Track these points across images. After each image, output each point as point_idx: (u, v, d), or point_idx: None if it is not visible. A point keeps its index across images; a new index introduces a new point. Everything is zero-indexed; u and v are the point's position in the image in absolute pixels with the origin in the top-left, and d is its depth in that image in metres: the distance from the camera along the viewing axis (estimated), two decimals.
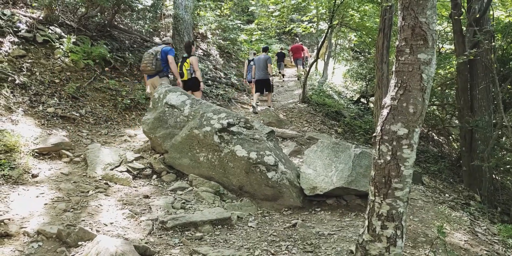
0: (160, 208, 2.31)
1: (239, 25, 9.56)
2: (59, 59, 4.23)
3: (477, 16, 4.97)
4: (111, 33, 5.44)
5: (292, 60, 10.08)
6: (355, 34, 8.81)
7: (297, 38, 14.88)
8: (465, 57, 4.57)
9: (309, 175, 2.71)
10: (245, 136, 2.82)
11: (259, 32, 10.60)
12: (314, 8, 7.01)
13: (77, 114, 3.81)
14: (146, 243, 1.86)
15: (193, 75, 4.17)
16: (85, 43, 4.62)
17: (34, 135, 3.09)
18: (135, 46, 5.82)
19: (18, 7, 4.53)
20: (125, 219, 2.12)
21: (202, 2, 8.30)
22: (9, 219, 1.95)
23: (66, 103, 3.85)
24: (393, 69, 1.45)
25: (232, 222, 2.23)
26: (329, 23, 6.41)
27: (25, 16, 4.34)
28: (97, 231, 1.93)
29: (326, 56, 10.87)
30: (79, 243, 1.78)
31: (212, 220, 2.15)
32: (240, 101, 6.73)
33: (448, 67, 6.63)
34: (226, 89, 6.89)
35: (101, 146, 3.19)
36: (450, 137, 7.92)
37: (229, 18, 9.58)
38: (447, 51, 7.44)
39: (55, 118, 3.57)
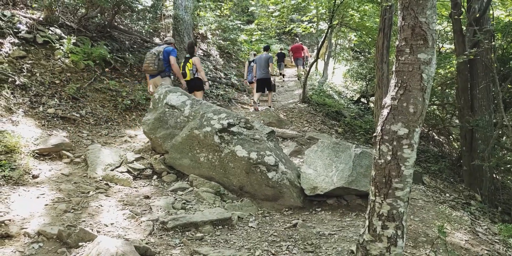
0: (160, 208, 2.31)
1: (239, 25, 9.57)
2: (59, 60, 4.24)
3: (477, 15, 4.97)
4: (111, 34, 5.45)
5: (292, 60, 10.08)
6: (355, 34, 8.81)
7: (297, 38, 14.89)
8: (465, 56, 4.57)
9: (310, 175, 2.71)
10: (246, 136, 2.82)
11: (259, 32, 10.60)
12: (314, 8, 7.01)
13: (78, 115, 3.81)
14: (146, 243, 1.86)
15: (196, 75, 4.18)
16: (85, 44, 4.62)
17: (35, 136, 3.09)
18: (135, 46, 5.83)
19: (18, 8, 4.54)
20: (125, 219, 2.12)
21: (202, 2, 8.30)
22: (9, 220, 1.95)
23: (67, 104, 3.86)
24: (393, 69, 1.45)
25: (233, 222, 2.23)
26: (329, 23, 6.41)
27: (25, 17, 4.35)
28: (98, 231, 1.93)
29: (326, 56, 10.88)
30: (80, 243, 1.78)
31: (213, 221, 2.15)
32: (240, 102, 6.74)
33: (448, 66, 6.63)
34: (226, 90, 6.89)
35: (101, 146, 3.19)
36: (451, 137, 7.92)
37: (229, 19, 9.58)
38: (447, 51, 7.44)
39: (55, 119, 3.57)
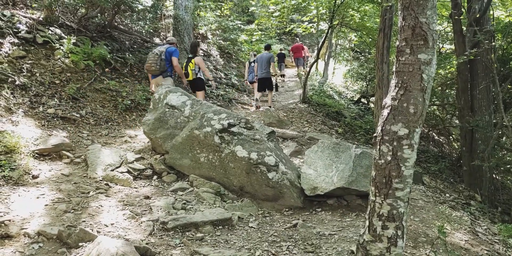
0: (160, 208, 2.31)
1: (239, 25, 9.56)
2: (59, 60, 4.24)
3: (477, 16, 4.97)
4: (111, 34, 5.44)
5: (292, 60, 10.08)
6: (356, 34, 8.82)
7: (298, 38, 14.89)
8: (465, 57, 4.57)
9: (310, 175, 2.71)
10: (246, 137, 2.82)
11: (260, 32, 10.60)
12: (314, 8, 7.01)
13: (78, 115, 3.81)
14: (147, 244, 1.86)
15: (198, 75, 4.20)
16: (85, 44, 4.62)
17: (35, 136, 3.09)
18: (135, 46, 5.83)
19: (18, 8, 4.54)
20: (125, 220, 2.12)
21: (202, 2, 8.30)
22: (9, 220, 1.95)
23: (67, 104, 3.86)
24: (394, 69, 1.45)
25: (233, 222, 2.23)
26: (329, 23, 6.41)
27: (25, 17, 4.35)
28: (98, 232, 1.93)
29: (326, 56, 10.88)
30: (80, 244, 1.78)
31: (213, 221, 2.15)
32: (240, 102, 6.73)
33: (448, 67, 6.63)
34: (227, 90, 6.89)
35: (101, 147, 3.19)
36: (451, 137, 7.92)
37: (229, 19, 9.58)
38: (447, 51, 7.44)
39: (55, 119, 3.57)
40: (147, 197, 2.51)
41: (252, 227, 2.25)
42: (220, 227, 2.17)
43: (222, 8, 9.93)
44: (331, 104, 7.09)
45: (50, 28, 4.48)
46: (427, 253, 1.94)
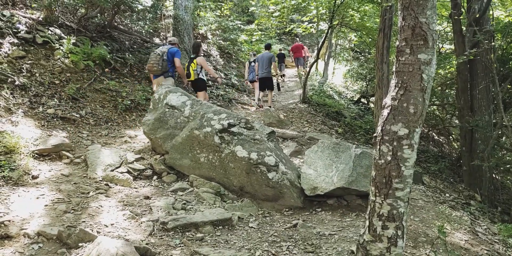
0: (160, 209, 2.31)
1: (239, 25, 9.56)
2: (59, 60, 4.23)
3: (477, 16, 4.98)
4: (111, 34, 5.44)
5: (293, 59, 10.08)
6: (355, 34, 8.82)
7: (297, 38, 14.89)
8: (465, 57, 4.58)
9: (310, 175, 2.71)
10: (246, 137, 2.82)
11: (259, 32, 10.60)
12: (314, 9, 7.01)
13: (77, 115, 3.81)
14: (147, 244, 1.86)
15: (200, 76, 4.23)
16: (85, 44, 4.62)
17: (34, 136, 3.08)
18: (135, 47, 5.82)
19: (17, 8, 4.54)
20: (125, 220, 2.11)
21: (202, 2, 8.30)
22: (9, 221, 1.95)
23: (66, 104, 3.85)
24: (394, 69, 1.45)
25: (233, 222, 2.23)
26: (329, 24, 6.41)
27: (25, 17, 4.34)
28: (98, 232, 1.93)
29: (326, 56, 10.88)
30: (80, 244, 1.78)
31: (213, 221, 2.15)
32: (240, 102, 6.73)
33: (448, 67, 6.63)
34: (227, 90, 6.88)
35: (101, 147, 3.19)
36: (450, 137, 7.93)
37: (229, 19, 9.58)
38: (447, 51, 7.45)
39: (55, 119, 3.57)
40: (147, 197, 2.51)
41: (252, 227, 2.25)
42: (220, 227, 2.17)
43: (222, 8, 9.93)
44: (331, 104, 7.09)
45: (50, 28, 4.47)
46: (427, 253, 1.94)
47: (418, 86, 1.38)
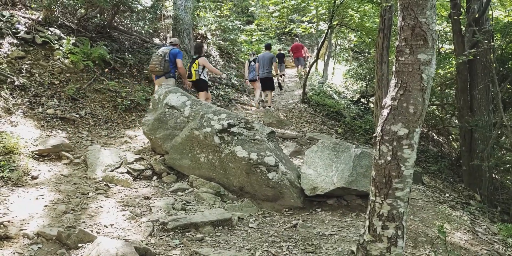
0: (160, 209, 2.30)
1: (239, 25, 9.56)
2: (58, 61, 4.23)
3: (476, 16, 4.98)
4: (110, 34, 5.44)
5: (292, 60, 10.08)
6: (355, 34, 8.82)
7: (297, 38, 14.90)
8: (465, 57, 4.58)
9: (310, 175, 2.71)
10: (246, 137, 2.82)
11: (259, 32, 10.61)
12: (314, 9, 7.02)
13: (77, 116, 3.81)
14: (146, 244, 1.85)
15: (201, 76, 4.28)
16: (84, 44, 4.61)
17: (34, 137, 3.08)
18: (134, 47, 5.82)
19: (17, 8, 4.53)
20: (125, 220, 2.11)
21: (202, 3, 8.30)
22: (8, 221, 1.95)
23: (66, 104, 3.85)
24: (393, 69, 1.46)
25: (233, 223, 2.22)
26: (329, 24, 6.42)
27: (24, 17, 4.34)
28: (98, 232, 1.93)
29: (326, 56, 10.88)
30: (79, 245, 1.77)
31: (213, 221, 2.15)
32: (240, 102, 6.73)
33: (447, 67, 6.64)
34: (226, 90, 6.88)
35: (101, 147, 3.18)
36: (450, 137, 7.93)
37: (229, 19, 9.58)
38: (446, 51, 7.45)
39: (54, 120, 3.56)
40: (147, 198, 2.51)
41: (252, 227, 2.25)
42: (220, 227, 2.17)
43: (222, 9, 9.93)
44: (331, 104, 7.10)
45: (49, 28, 4.47)
46: (427, 252, 1.95)
47: (417, 86, 1.38)
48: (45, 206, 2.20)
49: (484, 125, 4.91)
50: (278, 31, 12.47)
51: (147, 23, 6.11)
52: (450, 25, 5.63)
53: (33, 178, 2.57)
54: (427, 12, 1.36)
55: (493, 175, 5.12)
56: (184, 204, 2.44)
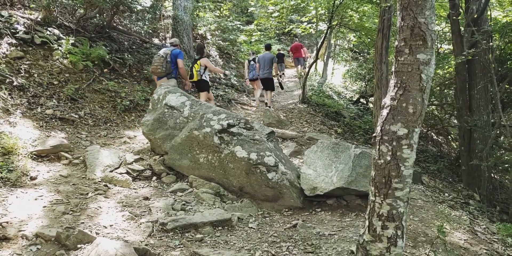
0: (160, 209, 2.30)
1: (238, 26, 9.57)
2: (57, 61, 4.22)
3: (475, 16, 5.00)
4: (110, 34, 5.43)
5: (292, 60, 10.09)
6: (354, 34, 8.84)
7: (296, 39, 14.91)
8: (464, 57, 4.59)
9: (309, 175, 2.71)
10: (245, 137, 2.82)
11: (259, 33, 10.61)
12: (313, 9, 7.03)
13: (76, 116, 3.80)
14: (146, 245, 1.85)
15: (203, 77, 4.32)
16: (83, 45, 4.60)
17: (33, 137, 3.07)
18: (134, 47, 5.81)
19: (15, 9, 4.52)
20: (125, 221, 2.11)
21: (201, 3, 8.31)
22: (7, 222, 1.94)
23: (65, 104, 3.84)
24: (393, 69, 1.46)
25: (233, 223, 2.22)
26: (328, 24, 6.43)
27: (23, 17, 4.33)
28: (97, 233, 1.92)
29: (325, 56, 10.89)
30: (79, 245, 1.77)
31: (213, 222, 2.15)
32: (240, 102, 6.73)
33: (446, 67, 6.66)
34: (226, 90, 6.89)
35: (100, 148, 3.18)
36: (449, 137, 7.95)
37: (228, 19, 9.59)
38: (445, 51, 7.47)
39: (53, 120, 3.55)
40: (146, 198, 2.50)
41: (251, 227, 2.25)
42: (219, 228, 2.16)
43: (221, 9, 9.94)
44: (330, 104, 7.11)
45: (48, 28, 4.46)
46: (427, 252, 1.95)
47: (417, 86, 1.38)
48: (44, 206, 2.19)
49: (483, 125, 4.92)
50: (277, 32, 12.48)
51: (146, 23, 6.11)
52: (449, 25, 5.65)
53: (32, 178, 2.56)
54: (426, 12, 1.36)
55: (492, 174, 5.14)
56: (184, 204, 2.44)
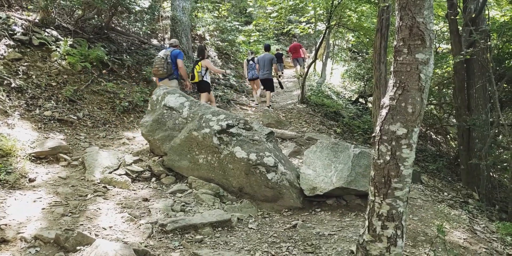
0: (159, 211, 2.29)
1: (237, 26, 9.58)
2: (55, 62, 4.21)
3: (473, 15, 5.02)
4: (108, 36, 5.42)
5: (291, 60, 10.09)
6: (353, 34, 8.86)
7: (295, 39, 14.93)
8: (462, 56, 4.61)
9: (309, 175, 2.71)
10: (245, 138, 2.81)
11: (257, 33, 10.62)
12: (312, 9, 7.04)
13: (75, 117, 3.79)
14: (145, 246, 1.84)
15: (204, 78, 4.35)
16: (82, 46, 4.59)
17: (31, 139, 3.06)
18: (132, 48, 5.80)
19: (13, 10, 4.51)
20: (124, 222, 2.10)
21: (200, 3, 8.31)
22: (5, 225, 1.93)
23: (64, 106, 3.83)
24: (391, 69, 1.46)
25: (232, 224, 2.22)
26: (327, 24, 6.44)
27: (21, 19, 4.32)
28: (96, 235, 1.92)
29: (324, 56, 10.90)
30: (78, 247, 1.76)
31: (212, 222, 2.14)
32: (239, 103, 6.73)
33: (445, 66, 6.68)
34: (225, 91, 6.88)
35: (99, 149, 3.17)
36: (448, 136, 7.97)
37: (227, 20, 9.60)
38: (444, 51, 7.50)
39: (52, 122, 3.54)
40: (146, 200, 2.49)
41: (251, 228, 2.25)
42: (219, 228, 2.16)
43: (220, 9, 9.94)
44: (329, 104, 7.11)
45: (46, 30, 4.45)
46: (427, 252, 1.95)
47: (416, 86, 1.38)
48: (43, 208, 2.18)
49: (481, 124, 4.94)
50: (276, 32, 12.49)
51: (145, 24, 6.10)
52: (447, 25, 5.67)
53: (31, 180, 2.55)
54: (425, 12, 1.36)
55: (491, 173, 5.15)
56: (183, 205, 2.43)
